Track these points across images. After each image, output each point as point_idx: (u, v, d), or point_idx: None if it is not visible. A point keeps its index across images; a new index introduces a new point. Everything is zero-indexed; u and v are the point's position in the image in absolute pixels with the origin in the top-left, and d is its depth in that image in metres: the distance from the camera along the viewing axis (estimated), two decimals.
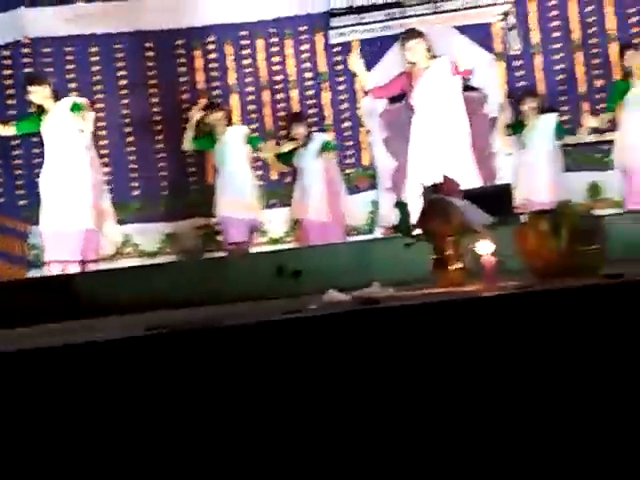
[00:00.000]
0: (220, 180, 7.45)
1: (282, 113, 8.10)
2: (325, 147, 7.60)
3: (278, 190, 8.05)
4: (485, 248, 3.23)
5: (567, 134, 7.62)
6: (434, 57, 6.69)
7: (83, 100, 6.67)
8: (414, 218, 3.63)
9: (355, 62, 6.82)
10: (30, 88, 6.47)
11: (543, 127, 7.45)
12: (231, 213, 7.33)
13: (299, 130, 7.63)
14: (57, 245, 6.23)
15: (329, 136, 7.83)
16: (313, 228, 7.44)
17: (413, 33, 6.62)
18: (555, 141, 7.45)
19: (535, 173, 7.33)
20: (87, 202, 6.36)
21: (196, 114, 7.47)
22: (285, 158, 7.67)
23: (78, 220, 6.28)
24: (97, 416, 2.47)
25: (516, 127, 7.56)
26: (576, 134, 7.53)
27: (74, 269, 6.21)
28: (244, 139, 7.46)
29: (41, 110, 6.46)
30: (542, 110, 7.53)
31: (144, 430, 2.48)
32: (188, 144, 7.52)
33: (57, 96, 6.58)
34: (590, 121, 7.25)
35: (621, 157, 6.99)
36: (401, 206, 3.56)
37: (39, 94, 6.42)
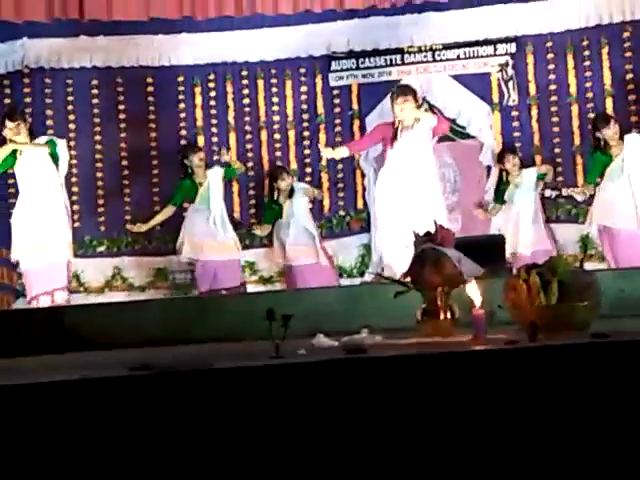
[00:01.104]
0: (201, 224, 7.26)
1: (278, 153, 8.13)
2: (306, 193, 7.66)
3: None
4: (475, 299, 3.22)
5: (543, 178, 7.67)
6: (421, 111, 6.66)
7: (60, 140, 6.67)
8: (404, 267, 3.63)
9: (328, 152, 6.80)
10: (6, 123, 6.41)
11: (526, 182, 7.55)
12: (215, 256, 7.21)
13: (285, 183, 7.61)
14: (40, 280, 6.27)
15: (305, 184, 7.82)
16: (305, 272, 7.41)
17: (405, 90, 6.56)
18: (537, 194, 7.56)
19: (520, 227, 7.43)
20: (66, 236, 6.44)
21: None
22: (270, 217, 7.63)
23: (59, 254, 6.34)
24: (76, 453, 2.44)
25: (502, 186, 7.61)
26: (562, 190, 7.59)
27: (60, 298, 6.25)
28: (222, 179, 7.44)
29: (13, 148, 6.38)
30: (522, 165, 7.63)
31: (127, 467, 2.45)
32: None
33: (32, 133, 6.59)
34: (575, 193, 7.29)
35: (600, 218, 7.00)
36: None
37: (13, 130, 6.38)
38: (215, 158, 7.80)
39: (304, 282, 7.24)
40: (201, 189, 7.32)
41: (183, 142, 7.98)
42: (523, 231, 7.42)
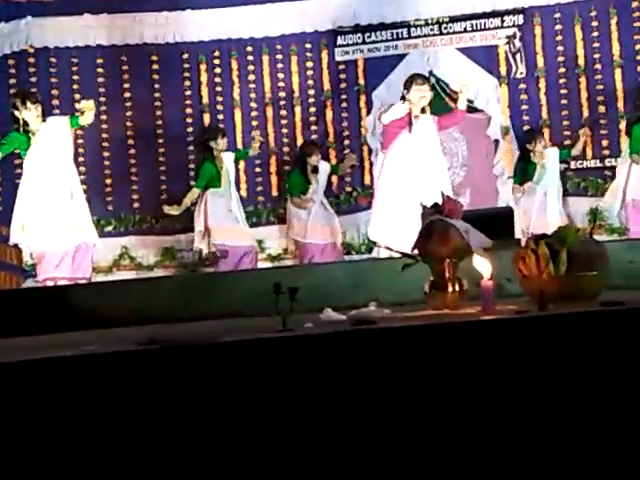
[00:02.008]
0: (225, 209, 7.20)
1: (285, 130, 8.10)
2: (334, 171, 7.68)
3: (277, 208, 8.05)
4: (483, 271, 3.20)
5: (568, 157, 7.65)
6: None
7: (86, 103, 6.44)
8: (412, 239, 3.60)
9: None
10: (28, 105, 6.21)
11: (551, 162, 7.48)
12: (242, 242, 7.17)
13: (316, 159, 7.58)
14: (54, 263, 6.12)
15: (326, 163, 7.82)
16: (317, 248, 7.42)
17: (425, 79, 6.51)
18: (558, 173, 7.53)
19: (548, 208, 7.40)
20: (87, 216, 6.30)
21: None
22: (298, 190, 7.59)
23: (88, 235, 6.22)
24: (87, 429, 2.44)
25: (529, 168, 7.53)
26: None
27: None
28: (233, 162, 7.40)
29: (26, 128, 6.20)
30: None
31: (135, 444, 2.45)
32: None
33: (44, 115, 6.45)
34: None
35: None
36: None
37: (32, 113, 6.20)
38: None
39: (313, 258, 7.24)
40: (223, 173, 7.21)
41: (206, 125, 7.89)
42: (550, 212, 7.37)
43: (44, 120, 6.19)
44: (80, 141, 7.71)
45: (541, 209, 7.42)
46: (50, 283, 6.13)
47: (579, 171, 7.69)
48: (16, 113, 6.08)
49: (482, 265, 3.20)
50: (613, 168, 7.66)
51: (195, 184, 7.26)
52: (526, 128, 7.81)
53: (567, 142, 7.78)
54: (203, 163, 7.20)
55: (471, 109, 7.94)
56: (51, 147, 6.16)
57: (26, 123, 6.08)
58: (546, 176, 7.50)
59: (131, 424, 2.46)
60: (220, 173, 7.17)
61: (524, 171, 7.54)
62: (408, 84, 6.32)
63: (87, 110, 6.04)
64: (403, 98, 6.29)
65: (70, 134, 6.23)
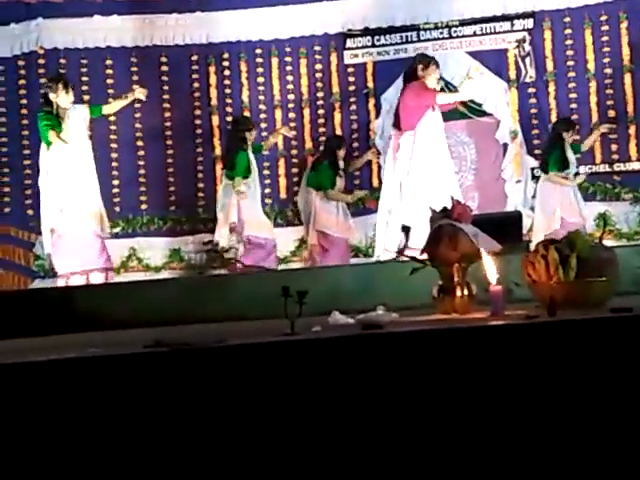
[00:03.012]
0: (256, 201, 7.16)
1: (293, 132, 8.09)
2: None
3: (285, 210, 8.04)
4: (493, 276, 3.19)
5: (578, 152, 7.57)
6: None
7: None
8: (422, 243, 3.59)
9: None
10: (67, 90, 6.25)
11: (574, 156, 7.42)
12: (264, 233, 7.15)
13: (342, 152, 7.60)
14: (78, 253, 6.10)
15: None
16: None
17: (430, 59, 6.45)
18: None
19: (579, 200, 7.32)
20: (101, 207, 6.33)
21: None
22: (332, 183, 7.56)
23: (94, 226, 6.24)
24: (93, 431, 2.43)
25: (565, 154, 7.34)
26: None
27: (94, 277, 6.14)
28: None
29: (57, 114, 6.29)
30: None
31: (140, 444, 2.44)
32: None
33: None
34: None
35: None
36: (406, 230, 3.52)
37: (67, 99, 6.27)
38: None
39: (339, 253, 7.31)
40: (252, 166, 7.17)
41: (237, 116, 7.83)
42: (581, 204, 7.29)
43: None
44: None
45: (571, 203, 7.27)
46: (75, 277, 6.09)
47: (588, 176, 7.66)
48: (51, 96, 6.21)
49: (490, 270, 3.19)
50: (622, 173, 7.63)
51: (232, 174, 7.09)
52: (563, 117, 7.61)
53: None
54: (238, 153, 7.09)
55: (480, 113, 7.93)
56: (78, 133, 6.25)
57: (58, 107, 6.16)
58: (573, 169, 7.39)
59: (137, 426, 2.45)
60: (251, 164, 7.15)
61: (563, 159, 7.31)
62: (424, 66, 6.24)
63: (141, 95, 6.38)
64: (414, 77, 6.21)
65: (87, 123, 6.31)
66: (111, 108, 6.66)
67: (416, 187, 6.01)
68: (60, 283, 6.16)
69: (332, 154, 7.52)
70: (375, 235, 6.62)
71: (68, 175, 6.22)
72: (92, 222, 6.23)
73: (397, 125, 6.29)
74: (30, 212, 7.79)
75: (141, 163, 8.14)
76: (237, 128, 7.28)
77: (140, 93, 6.54)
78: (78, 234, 6.16)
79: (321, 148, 7.90)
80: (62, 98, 6.22)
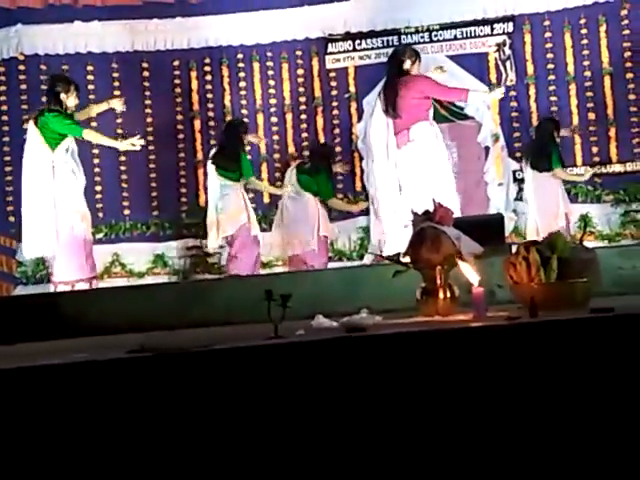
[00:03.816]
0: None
1: (276, 137, 8.10)
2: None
3: (269, 215, 8.04)
4: (474, 278, 3.21)
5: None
6: None
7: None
8: (404, 246, 3.61)
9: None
10: (77, 93, 6.22)
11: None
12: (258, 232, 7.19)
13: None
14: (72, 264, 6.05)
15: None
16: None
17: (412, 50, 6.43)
18: None
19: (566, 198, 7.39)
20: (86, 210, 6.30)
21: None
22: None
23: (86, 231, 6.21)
24: (78, 437, 2.43)
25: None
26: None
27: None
28: None
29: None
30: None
31: (126, 449, 2.44)
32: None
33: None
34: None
35: None
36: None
37: (74, 102, 6.21)
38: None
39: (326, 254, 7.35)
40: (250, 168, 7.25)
41: (235, 118, 7.84)
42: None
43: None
44: None
45: (562, 199, 7.34)
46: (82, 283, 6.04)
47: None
48: (62, 96, 6.13)
49: (469, 272, 3.21)
50: (603, 175, 7.70)
51: (236, 175, 7.06)
52: (547, 117, 7.67)
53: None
54: (240, 155, 7.11)
55: (461, 116, 7.97)
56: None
57: (67, 107, 6.13)
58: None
59: (122, 432, 2.45)
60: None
61: (560, 156, 7.36)
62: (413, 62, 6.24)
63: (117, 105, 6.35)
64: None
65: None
66: (83, 115, 6.53)
67: (425, 183, 5.94)
68: (52, 288, 6.12)
69: (329, 164, 7.54)
70: (360, 239, 6.63)
71: (78, 177, 6.19)
72: (87, 226, 6.19)
73: (399, 119, 6.12)
74: (12, 219, 7.75)
75: (123, 168, 8.12)
76: (236, 130, 7.30)
77: (117, 103, 6.42)
78: (74, 239, 6.10)
79: (305, 153, 7.90)
80: (71, 100, 6.18)
